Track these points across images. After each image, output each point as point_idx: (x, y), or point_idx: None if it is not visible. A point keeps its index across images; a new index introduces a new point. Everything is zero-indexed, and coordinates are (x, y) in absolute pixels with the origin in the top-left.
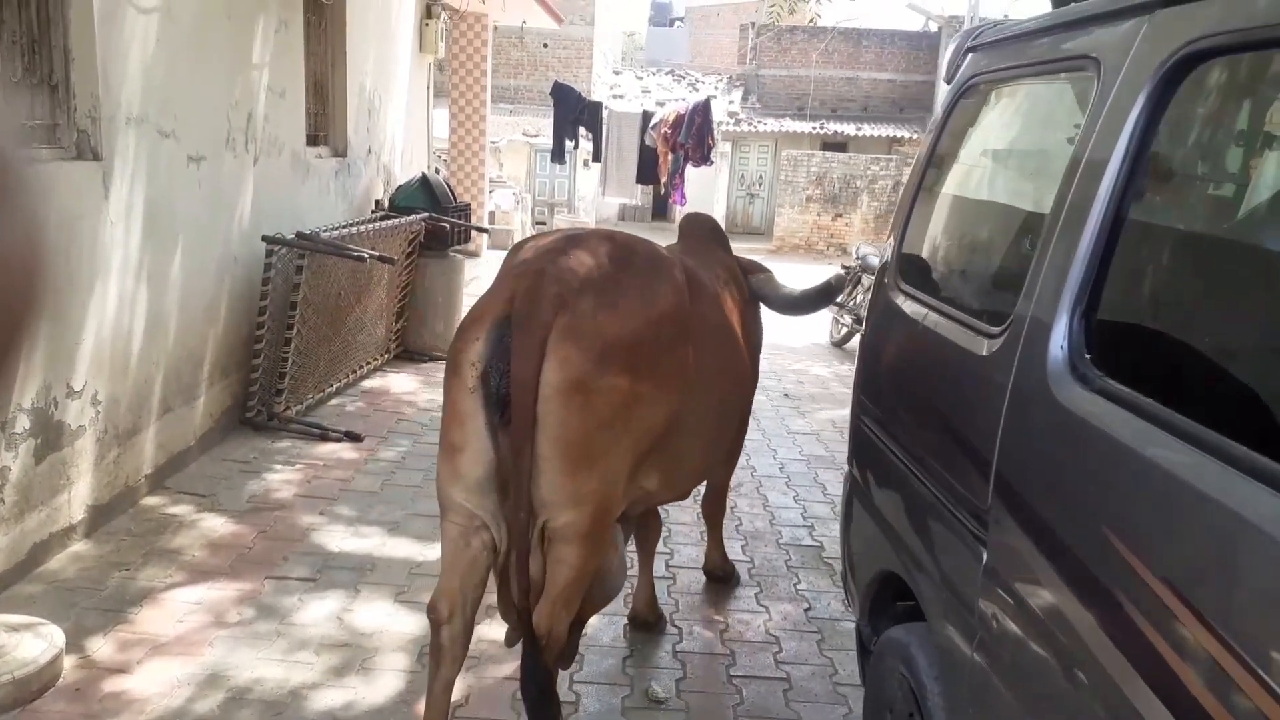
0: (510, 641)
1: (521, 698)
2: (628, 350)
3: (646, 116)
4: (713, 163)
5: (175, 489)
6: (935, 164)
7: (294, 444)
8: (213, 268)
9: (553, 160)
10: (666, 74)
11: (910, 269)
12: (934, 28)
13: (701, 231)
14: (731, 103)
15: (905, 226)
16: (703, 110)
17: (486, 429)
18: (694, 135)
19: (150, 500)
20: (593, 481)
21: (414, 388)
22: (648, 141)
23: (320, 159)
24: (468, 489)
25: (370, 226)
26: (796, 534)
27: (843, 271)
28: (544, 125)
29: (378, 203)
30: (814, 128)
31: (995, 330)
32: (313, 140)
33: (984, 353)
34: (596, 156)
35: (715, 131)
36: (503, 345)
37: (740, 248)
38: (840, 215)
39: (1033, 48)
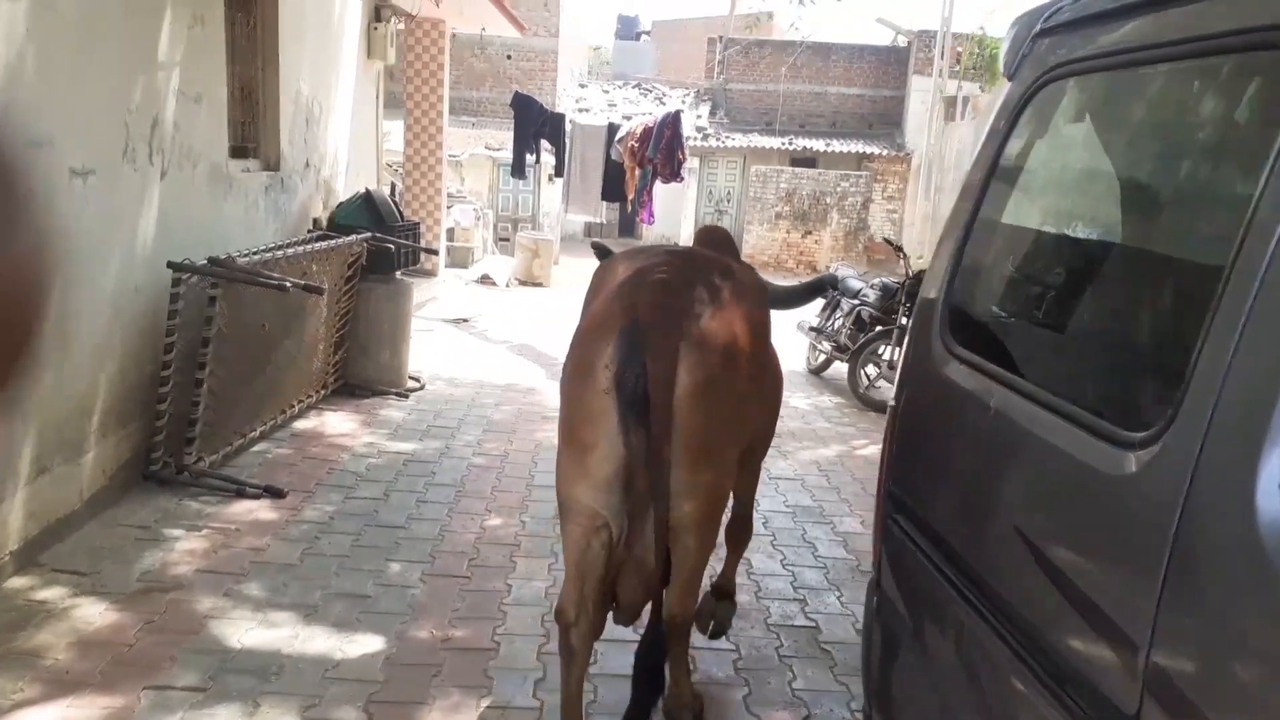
0: (622, 621)
1: (635, 678)
2: (741, 353)
3: (612, 129)
4: (683, 179)
5: (51, 565)
6: (1000, 185)
7: (204, 503)
8: (105, 300)
9: (513, 175)
10: (633, 87)
11: (967, 328)
12: (903, 42)
13: (717, 242)
14: (699, 117)
15: (955, 268)
16: (672, 123)
17: (619, 427)
18: (663, 149)
19: (16, 582)
20: (710, 473)
21: (351, 429)
22: (614, 156)
23: (247, 173)
24: (595, 487)
25: (303, 249)
26: (787, 611)
27: (837, 275)
28: (507, 139)
29: (316, 221)
30: (783, 143)
31: (1140, 436)
32: (239, 152)
33: (1122, 470)
34: (559, 171)
35: (685, 146)
36: (634, 350)
37: None
38: (810, 232)
39: (1158, 23)
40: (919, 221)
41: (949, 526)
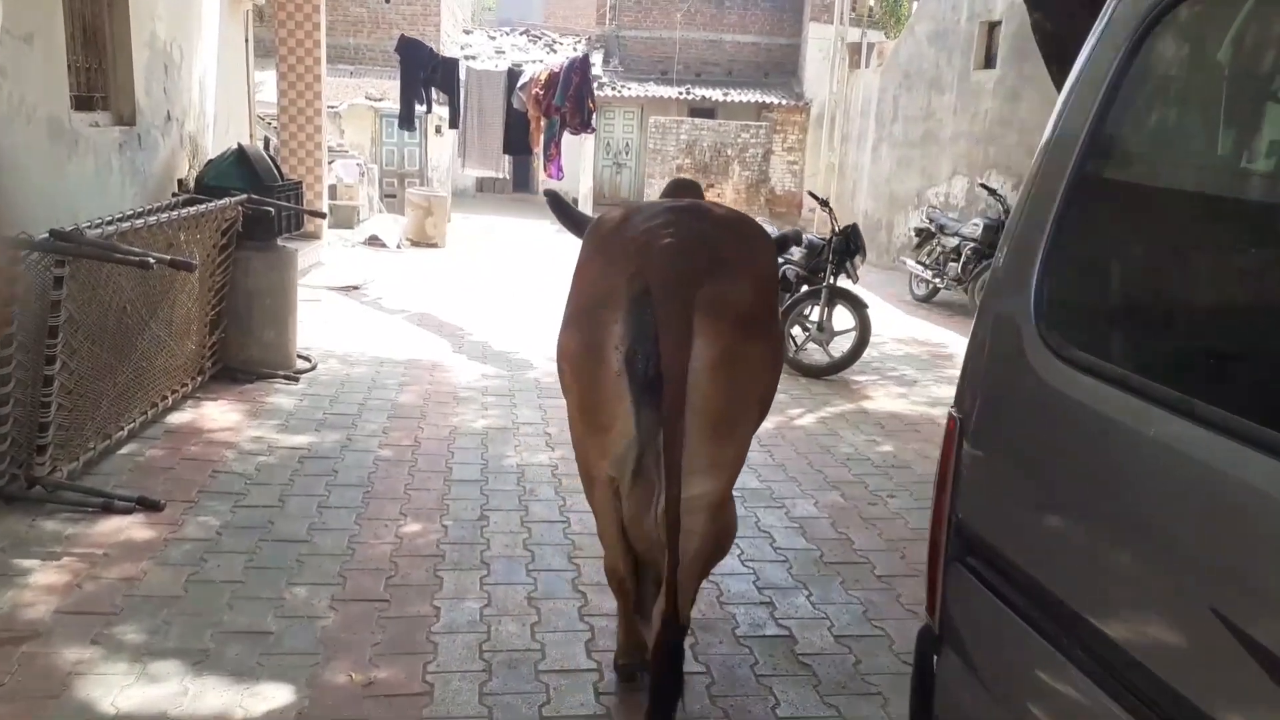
0: (643, 612)
1: (654, 664)
2: (756, 317)
3: (513, 76)
4: (594, 129)
5: None
6: (1115, 138)
7: (64, 522)
8: None
9: (400, 126)
10: (521, 34)
11: (1084, 324)
12: None
13: (690, 195)
14: (593, 66)
15: (1052, 244)
16: (580, 69)
17: (632, 408)
18: (571, 98)
19: None
20: (731, 448)
21: (235, 421)
22: (516, 105)
23: (96, 128)
24: (614, 462)
25: (168, 216)
26: (755, 617)
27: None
28: (390, 88)
29: (181, 183)
30: (680, 93)
31: None
32: (84, 104)
33: None
34: (454, 123)
35: (595, 93)
36: (642, 324)
37: None
38: (712, 185)
39: None
40: (822, 172)
41: (1076, 591)
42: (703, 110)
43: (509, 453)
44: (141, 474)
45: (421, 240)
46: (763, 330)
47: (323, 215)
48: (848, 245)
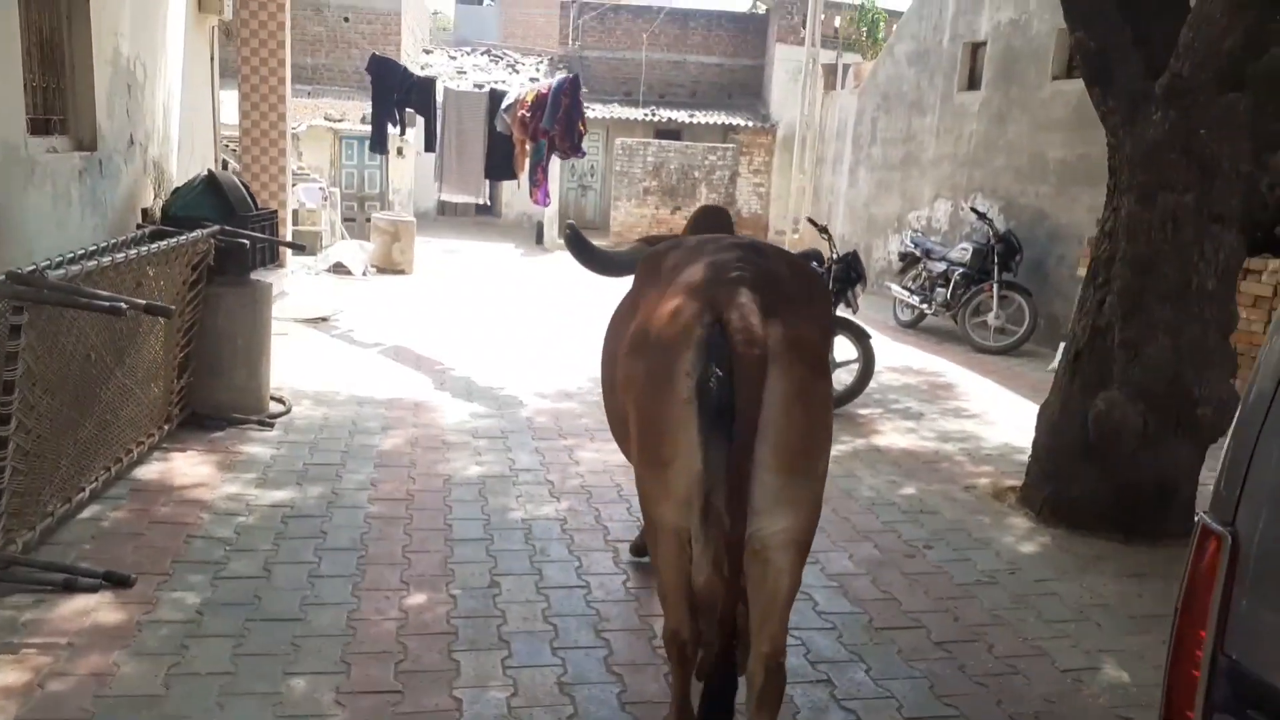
0: (701, 674)
1: (705, 708)
2: (821, 355)
3: (495, 97)
4: (584, 153)
5: None
6: None
7: (19, 605)
8: None
9: (372, 149)
10: (482, 54)
11: None
12: (762, 9)
13: (720, 225)
14: (535, 86)
15: None
16: (569, 90)
17: (699, 440)
18: (560, 120)
19: None
20: (809, 484)
21: (207, 475)
22: (499, 128)
23: (54, 154)
24: (677, 502)
25: (136, 252)
26: (815, 698)
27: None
28: (348, 109)
29: (146, 213)
30: (645, 114)
31: None
32: (40, 127)
33: None
34: (430, 145)
35: (585, 116)
36: (718, 355)
37: None
38: (679, 208)
39: None
40: (793, 194)
41: None
42: (668, 132)
43: (511, 504)
44: (107, 541)
45: (388, 267)
46: (826, 368)
47: (301, 248)
48: (848, 273)
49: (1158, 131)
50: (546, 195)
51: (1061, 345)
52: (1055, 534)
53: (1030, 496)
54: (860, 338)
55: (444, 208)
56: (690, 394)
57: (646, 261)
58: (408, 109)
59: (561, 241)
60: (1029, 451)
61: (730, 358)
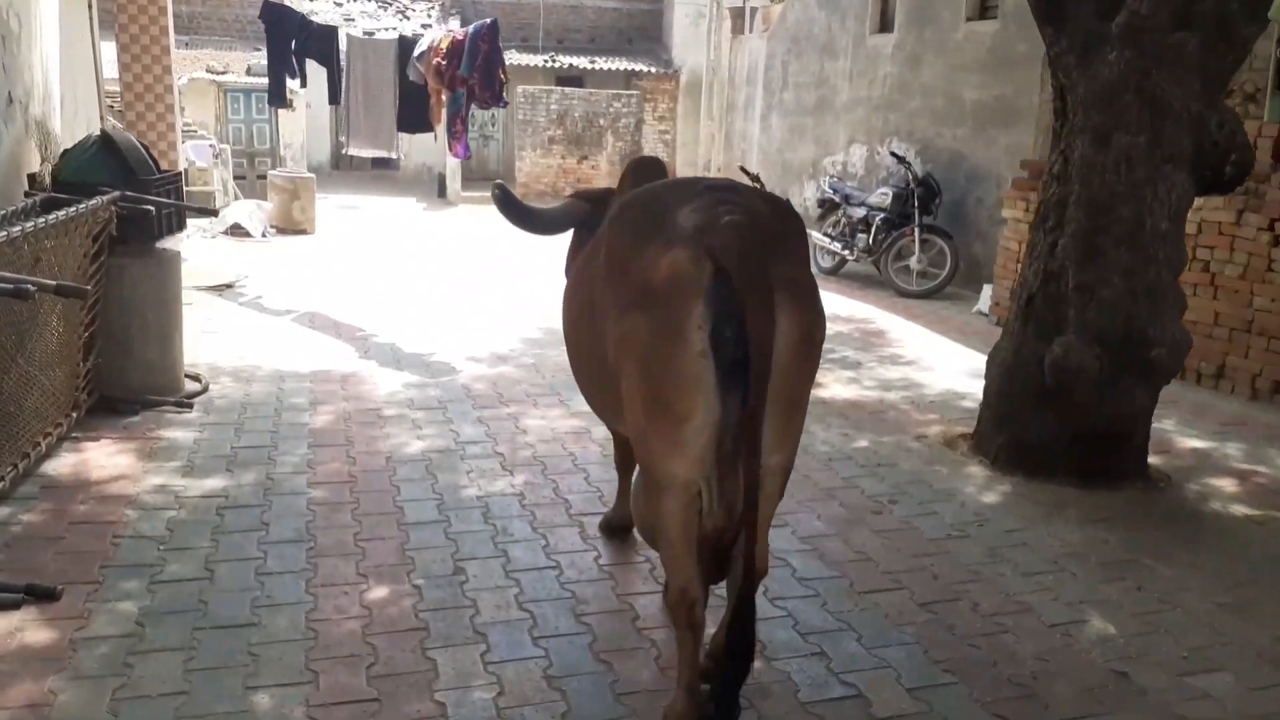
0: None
1: (732, 646)
2: (815, 293)
3: (405, 44)
4: (506, 103)
5: None
6: None
7: None
8: None
9: (270, 103)
10: (368, 0)
11: None
12: None
13: (654, 176)
14: (450, 32)
15: None
16: (488, 35)
17: (717, 391)
18: (480, 68)
19: None
20: (798, 421)
21: (127, 466)
22: (412, 77)
23: None
24: (693, 458)
25: (31, 225)
26: (813, 674)
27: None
28: (232, 60)
29: (33, 179)
30: (545, 60)
31: None
32: None
33: None
34: (334, 98)
35: (506, 62)
36: (728, 305)
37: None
38: (586, 157)
39: None
40: (703, 141)
41: None
42: (570, 79)
43: (462, 481)
44: (22, 549)
45: (289, 226)
46: (822, 306)
47: (212, 212)
48: None
49: (1112, 72)
50: (466, 148)
51: (986, 288)
52: (1014, 481)
53: (984, 444)
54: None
55: (339, 161)
56: (705, 346)
57: (623, 213)
58: (307, 59)
59: (464, 194)
60: (972, 397)
61: (739, 306)
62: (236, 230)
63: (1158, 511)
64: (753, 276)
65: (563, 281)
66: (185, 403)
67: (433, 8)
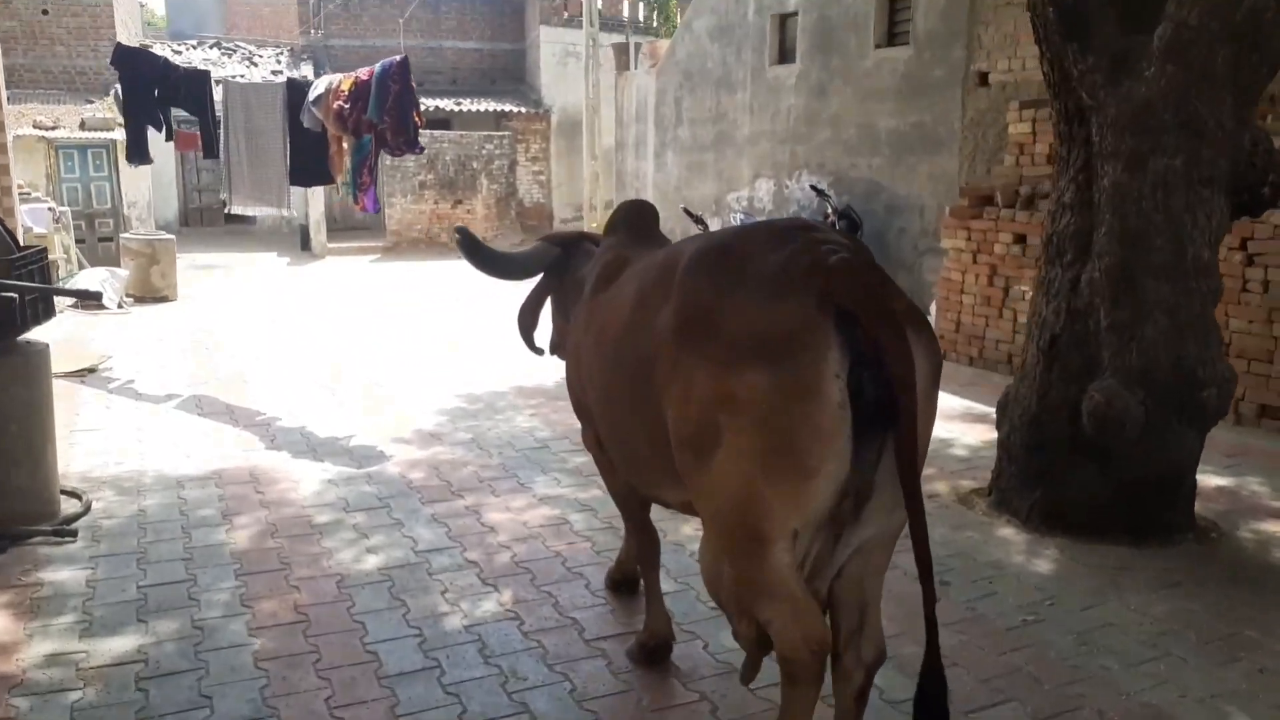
0: (750, 676)
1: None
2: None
3: (295, 88)
4: (421, 149)
5: None
6: None
7: None
8: None
9: (130, 160)
10: (211, 47)
11: None
12: None
13: (648, 221)
14: (305, 78)
15: None
16: (398, 74)
17: (849, 445)
18: (391, 110)
19: None
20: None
21: (2, 627)
22: (306, 123)
23: None
24: (810, 516)
25: None
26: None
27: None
28: (62, 114)
29: None
30: None
31: None
32: None
33: None
34: (210, 150)
35: (420, 105)
36: (859, 348)
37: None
38: (460, 201)
39: None
40: (587, 181)
41: None
42: (436, 122)
43: (440, 606)
44: None
45: (148, 294)
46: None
47: (94, 296)
48: (852, 224)
49: (1151, 90)
50: (375, 201)
51: None
52: (1059, 544)
53: (1009, 501)
54: None
55: (188, 217)
56: (843, 397)
57: (697, 262)
58: (174, 109)
59: (331, 246)
60: (960, 444)
61: (876, 349)
62: (86, 302)
63: (1226, 568)
64: (882, 315)
65: (471, 329)
66: (65, 530)
67: (281, 53)
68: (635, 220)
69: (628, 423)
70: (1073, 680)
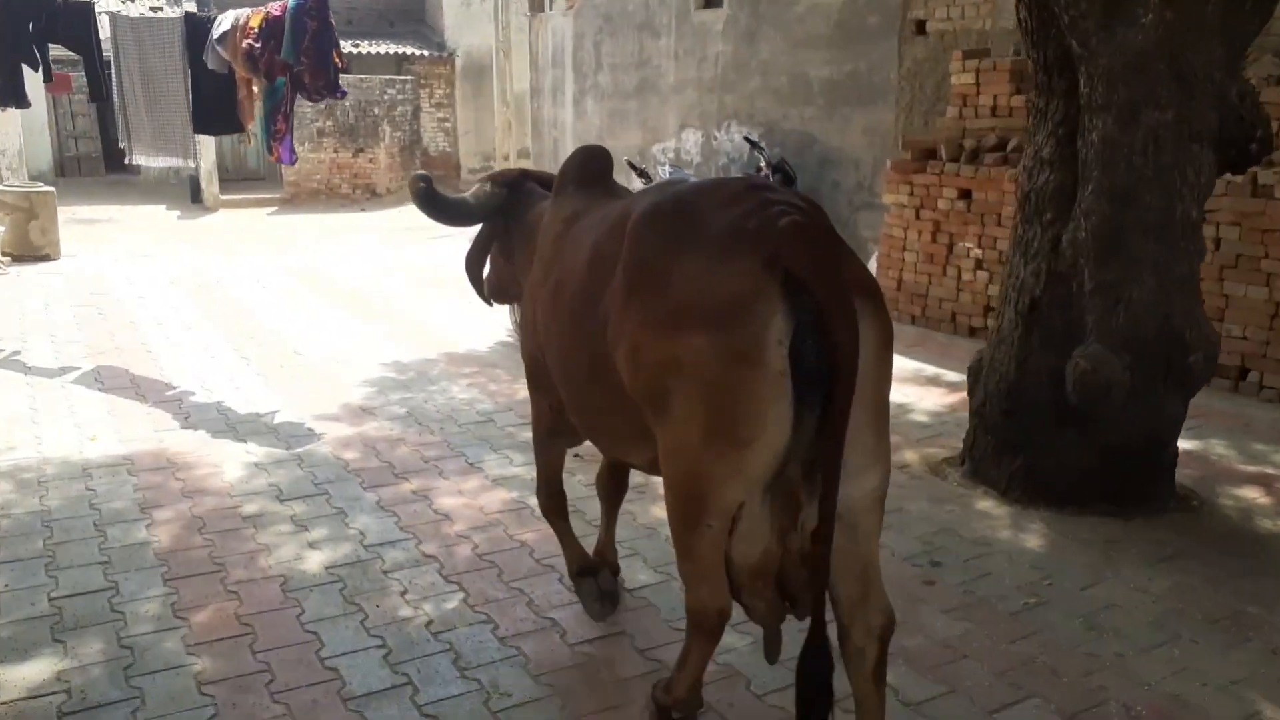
0: (774, 655)
1: (801, 693)
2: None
3: (195, 23)
4: (344, 94)
5: None
6: None
7: None
8: None
9: (3, 103)
10: None
11: None
12: None
13: (604, 167)
14: (264, 8)
15: None
16: (315, 8)
17: (792, 412)
18: (308, 50)
19: None
20: (888, 430)
21: None
22: (211, 64)
23: None
24: (753, 482)
25: None
26: None
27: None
28: None
29: None
30: None
31: None
32: None
33: None
34: (97, 92)
35: (340, 45)
36: (806, 315)
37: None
38: (362, 150)
39: None
40: (499, 129)
41: None
42: None
43: (402, 610)
44: None
45: (27, 253)
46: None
47: None
48: (786, 177)
49: (1147, 39)
50: (292, 151)
51: None
52: (1044, 517)
53: (986, 471)
54: None
55: (64, 167)
56: (785, 364)
57: (649, 220)
58: (51, 45)
59: (224, 198)
60: (917, 408)
61: (820, 317)
62: None
63: (1215, 539)
64: (830, 281)
65: (387, 286)
66: None
67: None
68: (589, 168)
69: (588, 386)
70: (1090, 670)
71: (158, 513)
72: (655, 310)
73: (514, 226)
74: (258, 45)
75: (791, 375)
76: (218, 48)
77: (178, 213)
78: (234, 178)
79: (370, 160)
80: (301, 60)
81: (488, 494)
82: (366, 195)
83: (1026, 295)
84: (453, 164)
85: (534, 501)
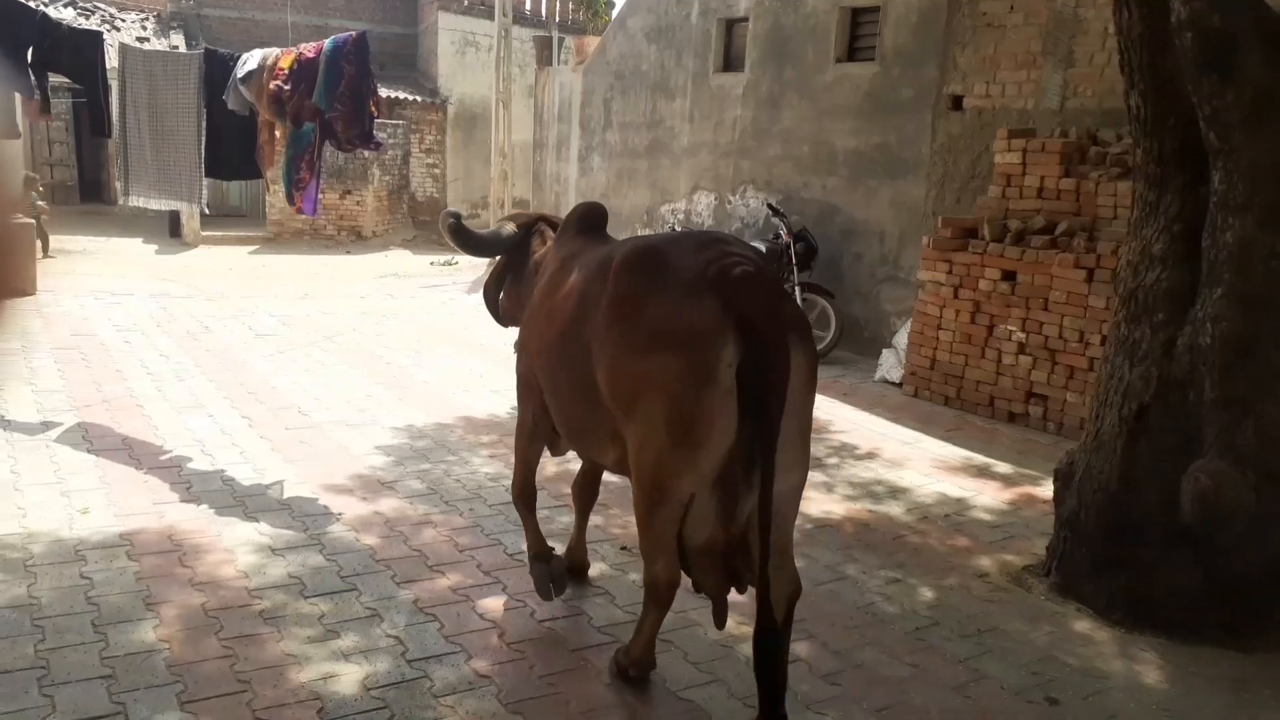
0: (722, 622)
1: (759, 660)
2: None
3: (216, 60)
4: (378, 144)
5: None
6: None
7: None
8: None
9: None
10: (65, 6)
11: None
12: None
13: (599, 223)
14: (175, 49)
15: None
16: (354, 53)
17: (737, 423)
18: (344, 97)
19: None
20: (808, 443)
21: None
22: (232, 105)
23: None
24: (702, 477)
25: None
26: None
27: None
28: None
29: None
30: None
31: None
32: None
33: None
34: (100, 128)
35: (379, 92)
36: (754, 348)
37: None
38: (350, 192)
39: None
40: (495, 179)
41: None
42: None
43: None
44: None
45: (2, 291)
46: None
47: None
48: (808, 246)
49: None
50: (314, 202)
51: (885, 353)
52: (1153, 644)
53: (1079, 587)
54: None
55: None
56: (731, 384)
57: (629, 267)
58: (52, 74)
59: (204, 234)
60: (979, 505)
61: (762, 348)
62: None
63: None
64: (771, 322)
65: (389, 334)
66: None
67: (147, 19)
68: (587, 219)
69: (571, 396)
70: None
71: (165, 609)
72: (632, 335)
73: (525, 261)
74: (286, 87)
75: (737, 392)
76: (241, 87)
77: (155, 247)
78: (213, 214)
79: (358, 203)
80: (336, 107)
81: (534, 595)
82: (352, 237)
83: (1134, 400)
84: (439, 209)
85: (593, 608)
